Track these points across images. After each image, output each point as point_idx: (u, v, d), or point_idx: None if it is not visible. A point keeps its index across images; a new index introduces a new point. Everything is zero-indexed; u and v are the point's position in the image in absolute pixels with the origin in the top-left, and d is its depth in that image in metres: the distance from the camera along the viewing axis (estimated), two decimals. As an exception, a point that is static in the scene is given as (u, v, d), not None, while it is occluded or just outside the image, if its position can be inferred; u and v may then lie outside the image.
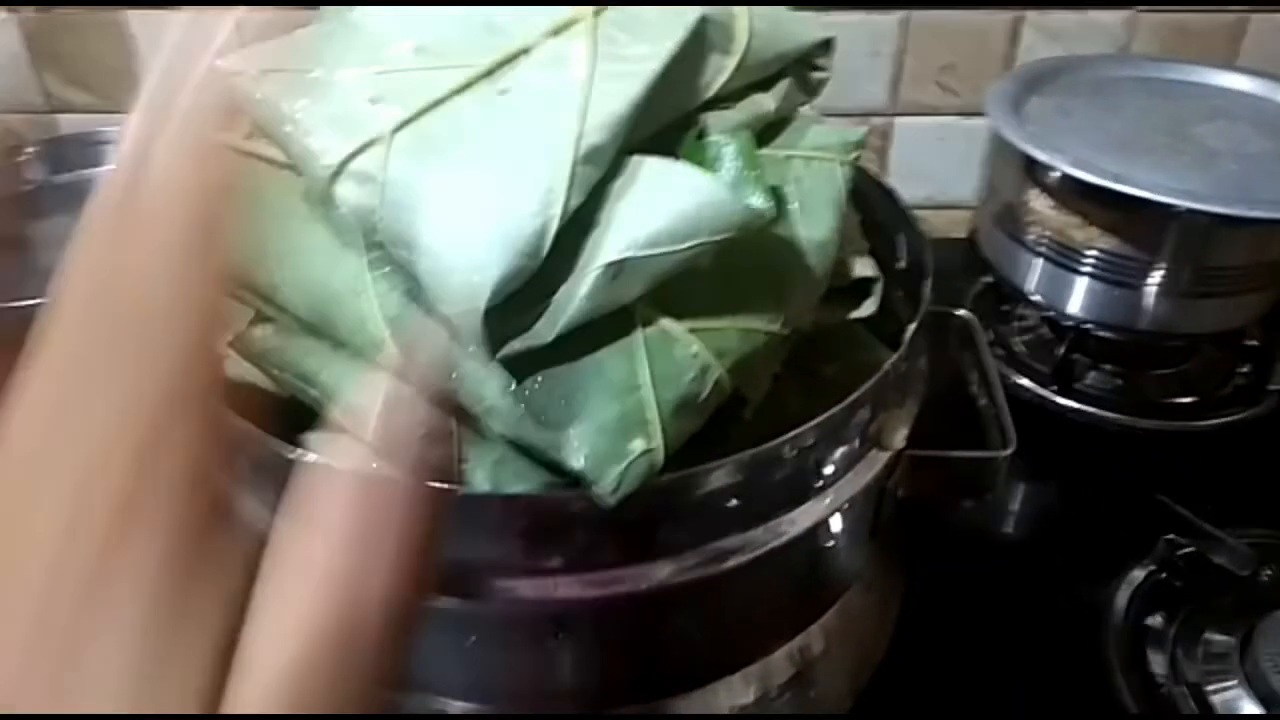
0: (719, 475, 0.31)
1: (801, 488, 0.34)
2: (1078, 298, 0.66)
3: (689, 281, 0.31)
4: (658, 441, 0.30)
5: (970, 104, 0.81)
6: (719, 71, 0.33)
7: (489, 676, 0.37)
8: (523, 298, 0.29)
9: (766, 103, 0.34)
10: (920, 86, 0.82)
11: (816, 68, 0.36)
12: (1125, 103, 0.68)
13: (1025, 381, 0.69)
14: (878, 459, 0.36)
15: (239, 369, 0.37)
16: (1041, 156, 0.60)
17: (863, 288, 0.37)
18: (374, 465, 0.30)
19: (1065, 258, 0.65)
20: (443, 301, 0.29)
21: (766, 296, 0.32)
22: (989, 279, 0.75)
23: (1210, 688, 0.51)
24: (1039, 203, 0.64)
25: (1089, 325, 0.67)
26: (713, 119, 0.33)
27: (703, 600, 0.35)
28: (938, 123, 0.83)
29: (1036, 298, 0.68)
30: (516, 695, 0.38)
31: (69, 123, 0.86)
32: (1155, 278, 0.63)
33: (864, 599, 0.44)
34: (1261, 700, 0.49)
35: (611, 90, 0.30)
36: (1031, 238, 0.66)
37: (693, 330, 0.31)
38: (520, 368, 0.30)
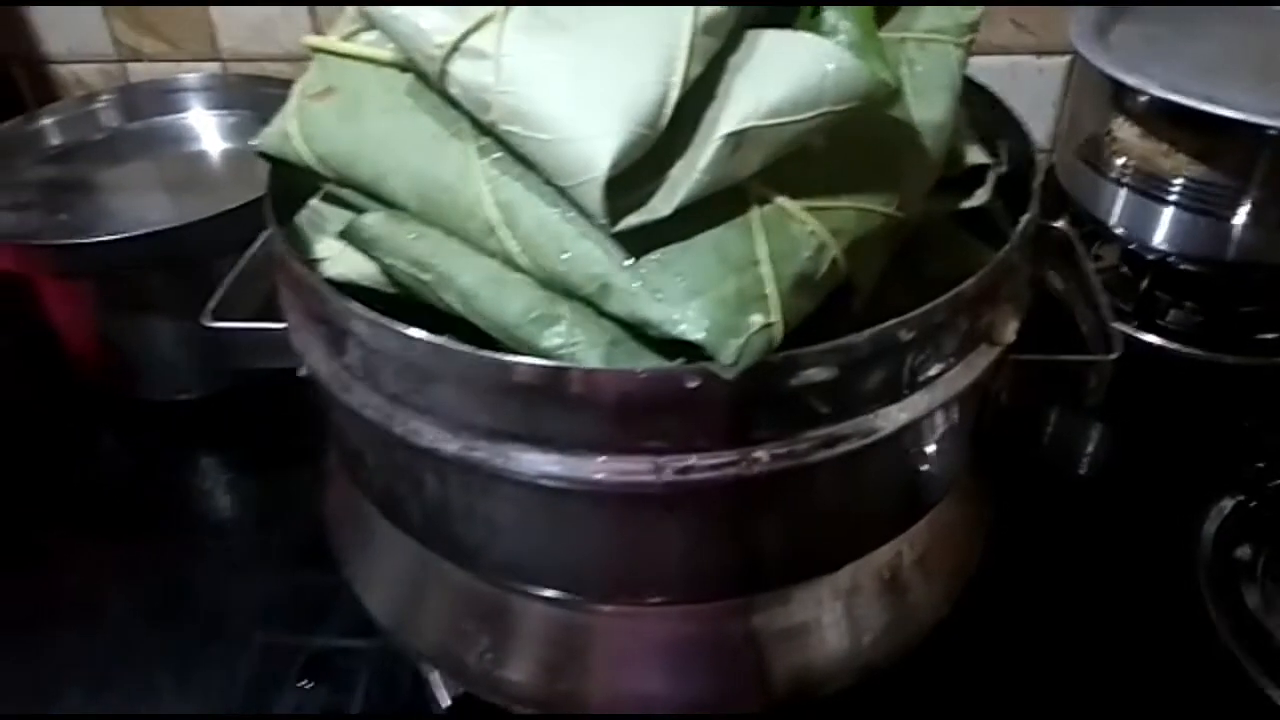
0: (836, 355, 0.30)
1: (912, 377, 0.33)
2: (1162, 229, 0.65)
3: (804, 160, 0.31)
4: (776, 316, 0.29)
5: (1045, 43, 0.79)
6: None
7: (582, 561, 0.37)
8: (639, 172, 0.29)
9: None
10: (994, 26, 0.80)
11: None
12: (1212, 30, 0.67)
13: (1106, 320, 0.67)
14: (987, 354, 0.35)
15: (348, 264, 0.37)
16: (1131, 81, 0.59)
17: (973, 179, 0.36)
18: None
19: (1151, 188, 0.64)
20: (561, 174, 0.29)
21: (882, 178, 0.32)
22: (1060, 224, 0.74)
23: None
24: (1125, 131, 0.63)
25: (1173, 258, 0.65)
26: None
27: (804, 492, 0.34)
28: (1009, 62, 0.82)
29: (1119, 230, 0.67)
30: (605, 584, 0.38)
31: (137, 71, 0.87)
32: (1244, 206, 0.62)
33: (959, 508, 0.43)
34: None
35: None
36: (1115, 169, 0.65)
37: (809, 209, 0.31)
38: (635, 244, 0.30)
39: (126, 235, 0.61)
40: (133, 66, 0.86)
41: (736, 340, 0.29)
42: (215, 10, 0.83)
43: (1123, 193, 0.66)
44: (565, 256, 0.31)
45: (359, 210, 0.37)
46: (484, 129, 0.33)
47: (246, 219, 0.62)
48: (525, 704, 0.41)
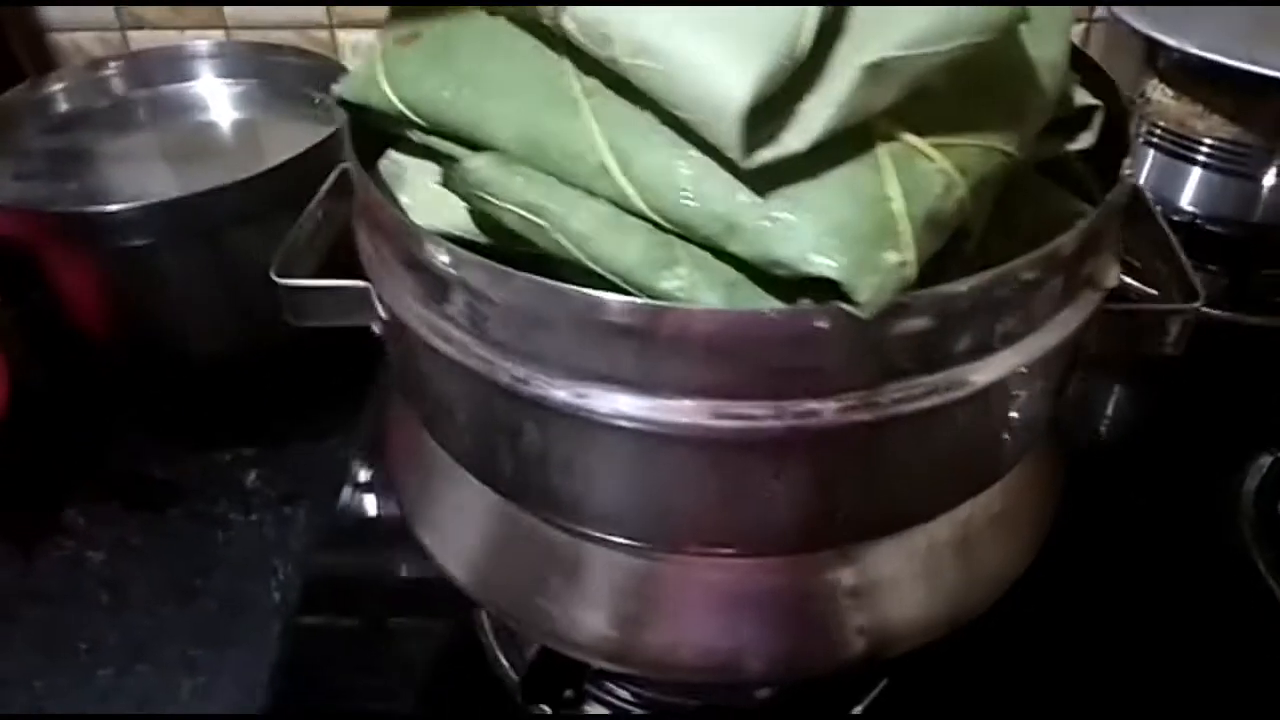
0: (972, 295, 0.30)
1: (1030, 318, 0.33)
2: (1190, 190, 0.65)
3: (929, 96, 0.30)
4: (911, 254, 0.29)
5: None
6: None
7: (678, 510, 0.36)
8: (770, 106, 0.28)
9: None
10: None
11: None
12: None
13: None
14: (1091, 300, 0.35)
15: (435, 213, 0.36)
16: (1168, 40, 0.59)
17: (1078, 121, 0.36)
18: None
19: (1182, 149, 0.64)
20: (692, 107, 0.28)
21: (1004, 116, 0.31)
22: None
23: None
24: (1158, 93, 0.63)
25: (1201, 220, 0.66)
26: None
27: (918, 439, 0.34)
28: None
29: (1147, 193, 0.67)
30: (696, 533, 0.37)
31: (138, 40, 0.84)
32: (1274, 167, 0.62)
33: (1036, 466, 0.43)
34: None
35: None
36: (1145, 130, 0.65)
37: (936, 145, 0.30)
38: (764, 182, 0.29)
39: (137, 204, 0.60)
40: (133, 35, 0.84)
41: (874, 278, 0.28)
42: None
43: (1151, 154, 0.66)
44: (687, 197, 0.30)
45: (447, 159, 0.36)
46: (590, 70, 0.32)
47: (260, 189, 0.61)
48: (608, 658, 0.41)
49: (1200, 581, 0.53)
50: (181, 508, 0.60)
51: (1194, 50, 0.58)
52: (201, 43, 0.77)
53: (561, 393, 0.32)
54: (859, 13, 0.29)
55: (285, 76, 0.76)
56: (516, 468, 0.37)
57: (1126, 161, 0.35)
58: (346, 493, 0.61)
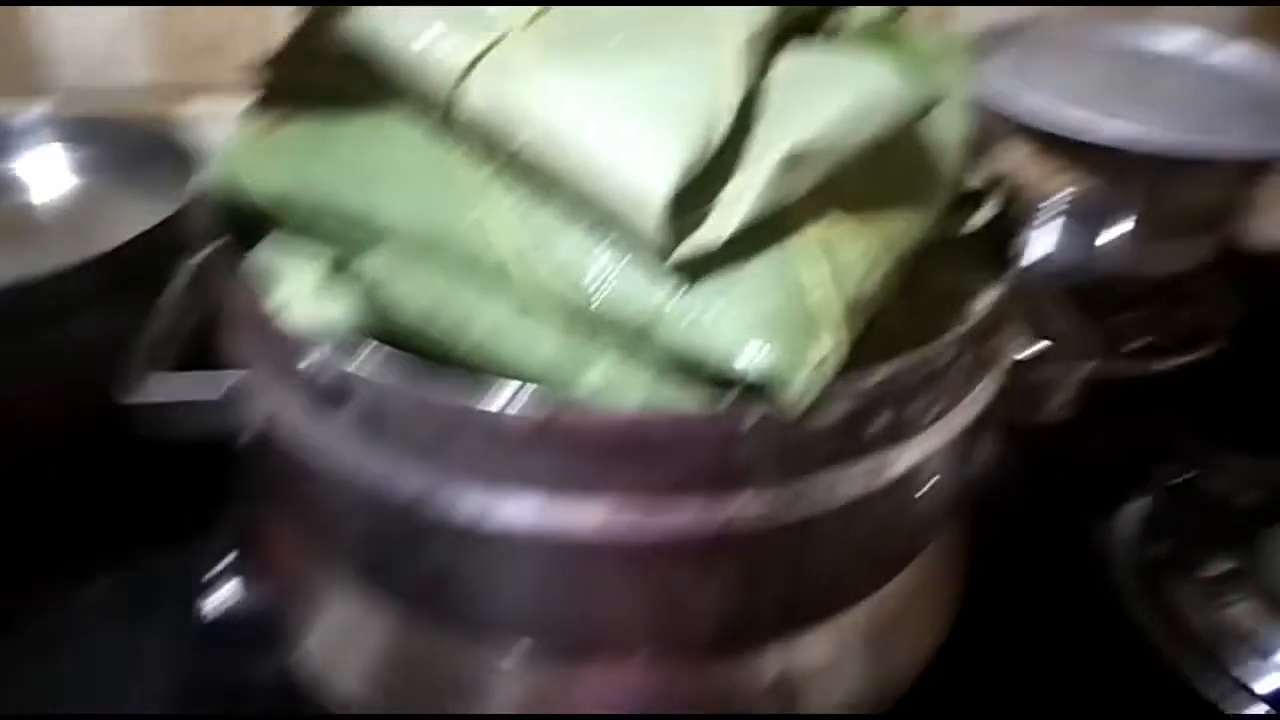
0: (903, 376, 0.29)
1: (945, 399, 0.33)
2: (1046, 244, 0.68)
3: (844, 179, 0.29)
4: (840, 341, 0.28)
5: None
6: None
7: (577, 614, 0.34)
8: (687, 197, 0.27)
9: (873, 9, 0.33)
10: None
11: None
12: (1077, 60, 0.71)
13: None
14: (1000, 371, 0.35)
15: (314, 311, 0.33)
16: (1016, 106, 0.62)
17: (974, 198, 0.37)
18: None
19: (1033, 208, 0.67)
20: (609, 199, 0.27)
21: (915, 195, 0.31)
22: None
23: (1223, 606, 0.52)
24: (1011, 155, 0.66)
25: (1054, 273, 0.69)
26: (832, 22, 0.32)
27: (844, 527, 0.33)
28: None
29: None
30: (613, 636, 0.35)
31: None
32: (1118, 222, 0.66)
33: (951, 535, 0.43)
34: (1270, 612, 0.50)
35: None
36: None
37: (855, 228, 0.29)
38: (686, 274, 0.28)
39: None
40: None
41: (806, 370, 0.27)
42: (41, 39, 0.75)
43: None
44: (603, 291, 0.28)
45: (333, 253, 0.33)
46: (491, 155, 0.30)
47: (96, 274, 0.56)
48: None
49: (1075, 628, 0.54)
50: (16, 637, 0.53)
51: (1042, 117, 0.61)
52: (23, 114, 0.70)
53: (472, 503, 0.30)
54: (773, 96, 0.29)
55: (119, 149, 0.70)
56: (420, 581, 0.34)
57: (1024, 232, 0.35)
58: (210, 602, 0.55)
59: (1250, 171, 0.65)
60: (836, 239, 0.29)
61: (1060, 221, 0.68)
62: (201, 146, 0.64)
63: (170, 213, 0.58)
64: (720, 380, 0.29)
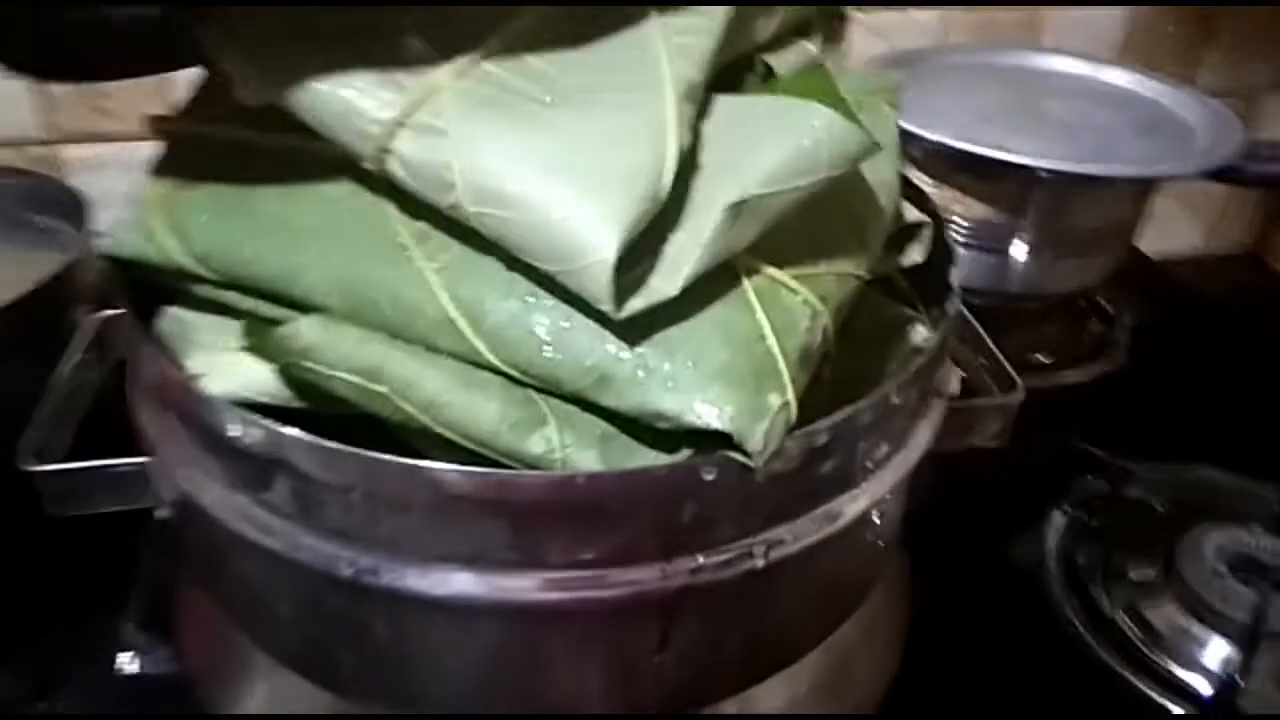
0: (854, 422, 0.29)
1: (892, 440, 0.32)
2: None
3: (783, 229, 0.29)
4: (791, 394, 0.27)
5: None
6: (771, 15, 0.31)
7: (533, 683, 0.33)
8: (633, 250, 0.26)
9: (810, 48, 0.33)
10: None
11: (842, 15, 0.35)
12: (975, 86, 0.73)
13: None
14: (938, 409, 0.35)
15: (235, 379, 0.31)
16: (923, 133, 0.63)
17: (906, 235, 0.37)
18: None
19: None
20: (554, 257, 0.26)
21: (852, 240, 0.31)
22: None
23: (1144, 609, 0.53)
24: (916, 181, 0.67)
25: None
26: (771, 61, 0.31)
27: (802, 576, 0.32)
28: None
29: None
30: (559, 702, 0.34)
31: None
32: (1023, 242, 0.67)
33: (896, 568, 0.43)
34: (1192, 612, 0.52)
35: (690, 26, 0.28)
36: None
37: (796, 277, 0.29)
38: (634, 330, 0.27)
39: None
40: None
41: (762, 423, 0.26)
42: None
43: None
44: (549, 351, 0.27)
45: (250, 317, 0.31)
46: (419, 214, 0.29)
47: None
48: None
49: (1014, 642, 0.55)
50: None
51: (947, 141, 0.62)
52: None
53: (417, 580, 0.28)
54: (712, 142, 0.28)
55: (4, 199, 0.66)
56: (358, 664, 0.32)
57: (954, 271, 0.36)
58: (119, 680, 0.52)
59: (1145, 190, 0.68)
60: (777, 289, 0.28)
61: (963, 245, 0.69)
62: (90, 195, 0.60)
63: (64, 265, 0.55)
64: (673, 435, 0.28)
